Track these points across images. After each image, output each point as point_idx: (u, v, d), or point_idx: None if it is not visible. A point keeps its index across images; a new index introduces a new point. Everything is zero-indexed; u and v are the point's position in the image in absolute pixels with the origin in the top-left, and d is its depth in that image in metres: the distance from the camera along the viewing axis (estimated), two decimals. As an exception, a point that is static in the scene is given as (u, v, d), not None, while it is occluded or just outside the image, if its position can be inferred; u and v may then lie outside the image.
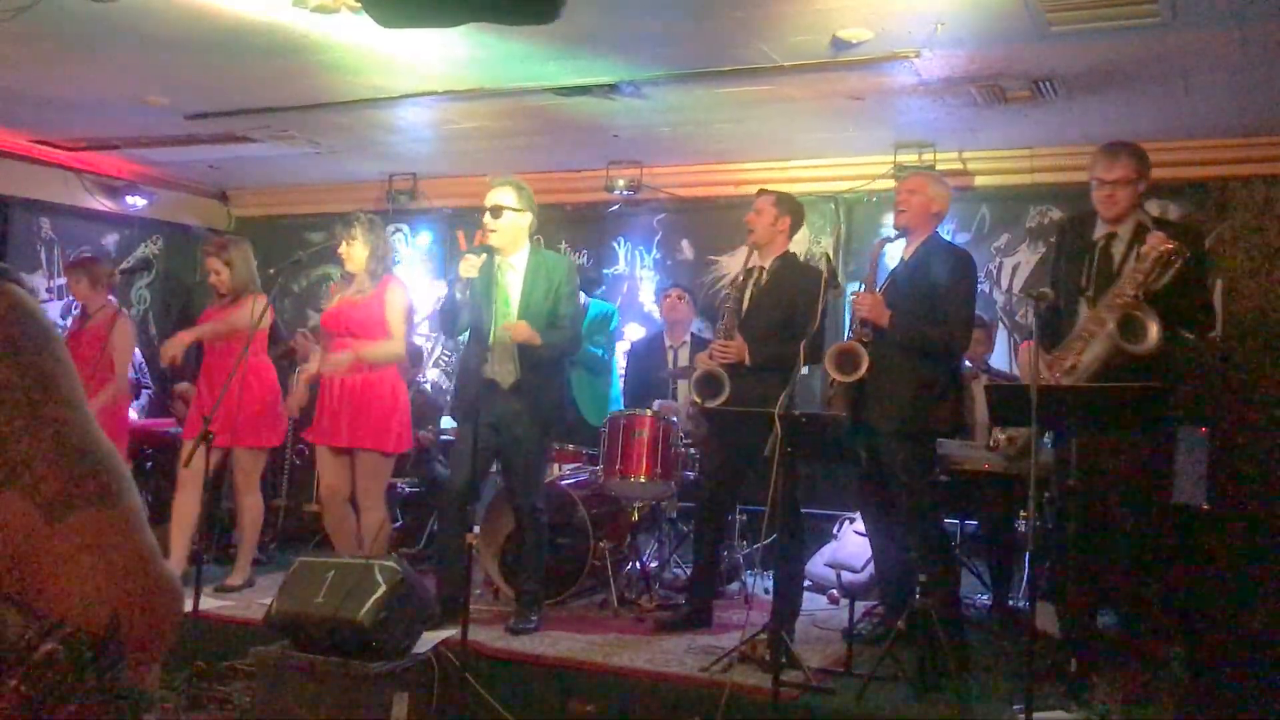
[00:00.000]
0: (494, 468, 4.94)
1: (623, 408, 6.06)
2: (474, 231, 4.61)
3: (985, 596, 5.39)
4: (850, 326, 4.51)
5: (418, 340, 7.13)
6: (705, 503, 4.82)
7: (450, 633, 4.10)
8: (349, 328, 4.96)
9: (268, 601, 4.07)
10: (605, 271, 7.40)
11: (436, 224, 8.01)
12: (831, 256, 6.18)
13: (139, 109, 6.08)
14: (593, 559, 5.03)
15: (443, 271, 7.84)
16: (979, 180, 6.37)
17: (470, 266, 4.42)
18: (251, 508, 5.35)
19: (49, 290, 7.53)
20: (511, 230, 4.61)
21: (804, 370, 4.30)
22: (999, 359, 6.05)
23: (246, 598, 5.09)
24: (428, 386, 7.11)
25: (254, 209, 8.62)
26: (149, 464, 6.64)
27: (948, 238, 4.69)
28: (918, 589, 4.00)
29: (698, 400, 4.56)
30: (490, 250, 4.57)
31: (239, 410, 5.03)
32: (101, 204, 7.77)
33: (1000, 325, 6.29)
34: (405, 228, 8.09)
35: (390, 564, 3.93)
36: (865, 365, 4.19)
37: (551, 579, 4.88)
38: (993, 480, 4.88)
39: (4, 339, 0.88)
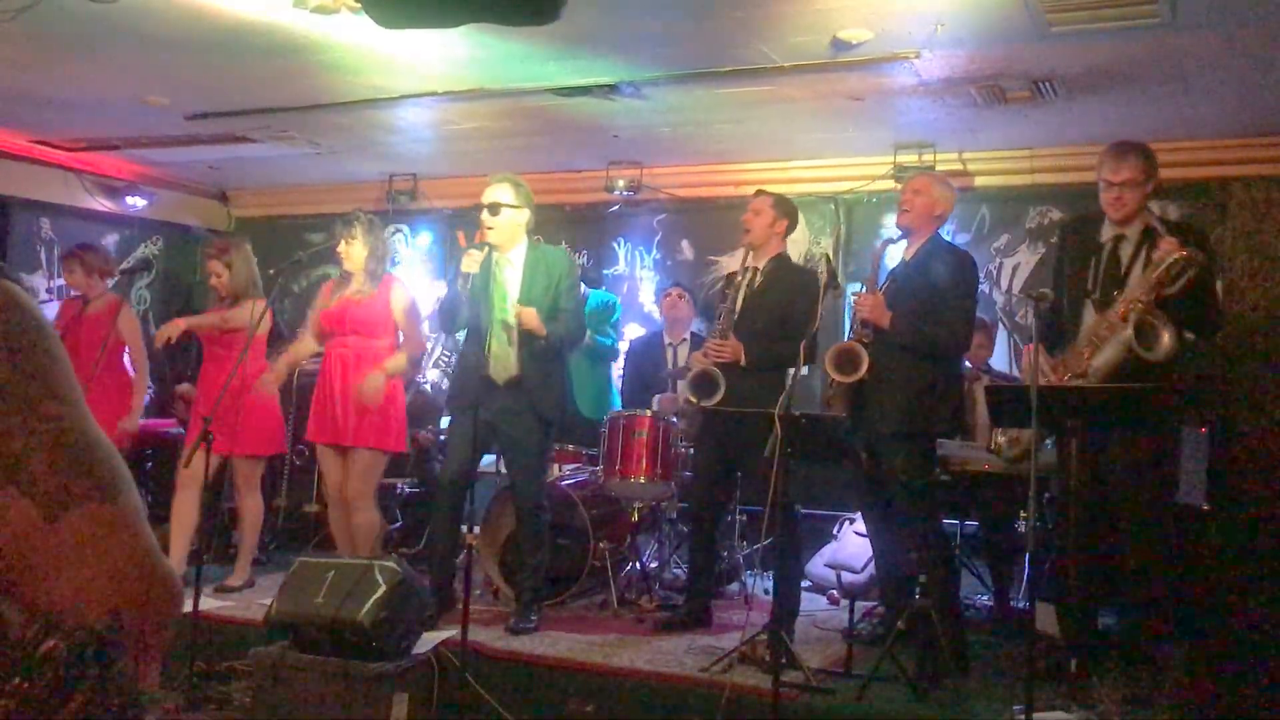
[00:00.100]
0: (492, 465, 4.93)
1: (620, 407, 6.07)
2: (473, 231, 4.61)
3: (985, 597, 5.39)
4: (850, 327, 4.50)
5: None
6: (696, 502, 4.83)
7: (450, 633, 4.11)
8: (352, 327, 4.96)
9: (268, 602, 4.08)
10: (605, 272, 7.41)
11: (436, 224, 8.00)
12: (831, 257, 6.18)
13: (139, 109, 6.08)
14: (593, 559, 5.02)
15: (443, 272, 7.83)
16: (979, 181, 6.36)
17: (472, 261, 4.43)
18: (252, 508, 5.35)
19: (49, 290, 7.53)
20: (509, 227, 4.62)
21: (803, 371, 4.30)
22: (999, 360, 6.04)
23: (246, 598, 5.08)
24: (427, 387, 7.10)
25: (254, 209, 8.62)
26: (149, 464, 6.64)
27: (948, 238, 4.69)
28: (918, 589, 4.00)
29: (693, 400, 4.56)
30: (489, 247, 4.57)
31: (239, 418, 5.04)
32: (101, 204, 7.77)
33: (1000, 326, 6.28)
34: (405, 228, 8.09)
35: (390, 564, 3.93)
36: (865, 366, 4.18)
37: (551, 579, 4.87)
38: (993, 481, 4.87)
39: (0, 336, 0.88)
